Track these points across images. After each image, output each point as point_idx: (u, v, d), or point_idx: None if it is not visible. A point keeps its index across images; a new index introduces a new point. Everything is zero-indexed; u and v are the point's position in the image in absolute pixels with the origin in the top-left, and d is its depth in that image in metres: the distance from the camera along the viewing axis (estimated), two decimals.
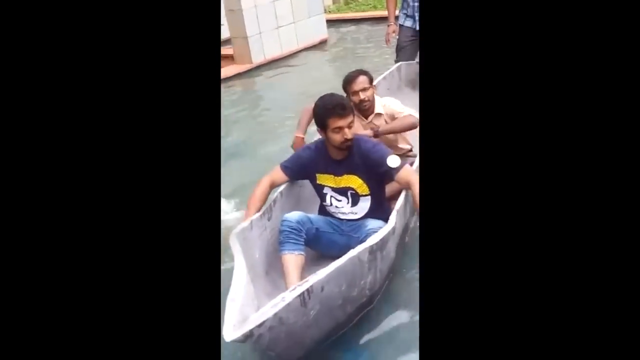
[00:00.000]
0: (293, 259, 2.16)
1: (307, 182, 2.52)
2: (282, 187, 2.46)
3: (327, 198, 2.39)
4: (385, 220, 2.21)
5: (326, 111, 2.22)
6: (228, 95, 5.57)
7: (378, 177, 2.32)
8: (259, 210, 2.25)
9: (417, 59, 3.90)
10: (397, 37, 3.88)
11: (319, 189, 2.41)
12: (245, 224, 2.12)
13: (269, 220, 2.29)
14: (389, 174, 2.26)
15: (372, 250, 1.94)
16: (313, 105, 2.50)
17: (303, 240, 2.23)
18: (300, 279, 2.04)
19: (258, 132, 4.31)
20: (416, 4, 3.75)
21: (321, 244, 2.34)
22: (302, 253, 2.21)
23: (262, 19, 6.54)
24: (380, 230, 2.04)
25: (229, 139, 4.16)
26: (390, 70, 3.93)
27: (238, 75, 6.22)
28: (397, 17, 3.99)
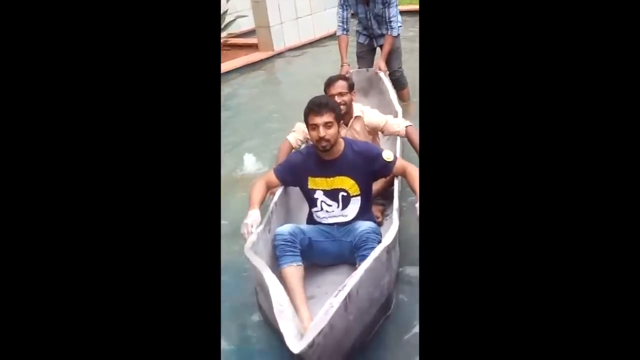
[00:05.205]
0: (294, 271, 2.16)
1: (294, 192, 2.62)
2: (276, 198, 2.52)
3: (318, 203, 2.40)
4: (372, 221, 2.39)
5: (306, 109, 2.34)
6: (253, 78, 6.46)
7: (373, 174, 2.40)
8: (260, 203, 2.34)
9: (372, 67, 4.49)
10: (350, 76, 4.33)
11: (309, 194, 2.42)
12: (254, 237, 2.16)
13: (269, 232, 2.32)
14: (387, 168, 2.37)
15: (389, 250, 2.01)
16: (287, 139, 2.91)
17: (299, 251, 2.23)
18: (304, 290, 2.13)
19: (278, 107, 5.11)
20: (373, 22, 4.31)
21: (315, 254, 2.34)
22: (301, 264, 2.21)
23: (283, 10, 7.28)
24: (390, 230, 2.10)
25: (254, 112, 5.08)
26: None
27: (261, 61, 7.00)
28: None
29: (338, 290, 1.73)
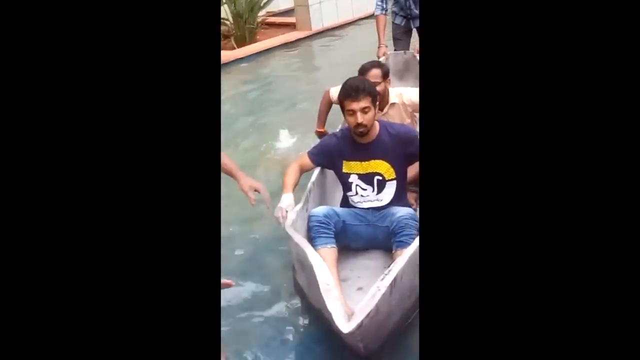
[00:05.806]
0: (328, 252, 2.15)
1: (330, 173, 2.58)
2: (313, 178, 2.50)
3: (353, 187, 2.36)
4: (408, 206, 2.35)
5: (342, 93, 2.25)
6: (290, 57, 6.46)
7: (408, 157, 2.33)
8: (294, 186, 2.32)
9: (409, 49, 4.40)
10: (387, 58, 4.13)
11: (344, 177, 2.39)
12: (293, 215, 2.16)
13: (306, 211, 2.31)
14: None
15: None
16: (330, 89, 2.93)
17: (333, 232, 2.22)
18: (338, 272, 2.14)
19: (314, 86, 5.09)
20: (410, 3, 4.19)
21: (348, 237, 2.32)
22: (335, 246, 2.20)
23: None
24: None
25: (290, 91, 5.12)
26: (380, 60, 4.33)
27: (299, 41, 7.00)
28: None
29: (384, 274, 1.73)
